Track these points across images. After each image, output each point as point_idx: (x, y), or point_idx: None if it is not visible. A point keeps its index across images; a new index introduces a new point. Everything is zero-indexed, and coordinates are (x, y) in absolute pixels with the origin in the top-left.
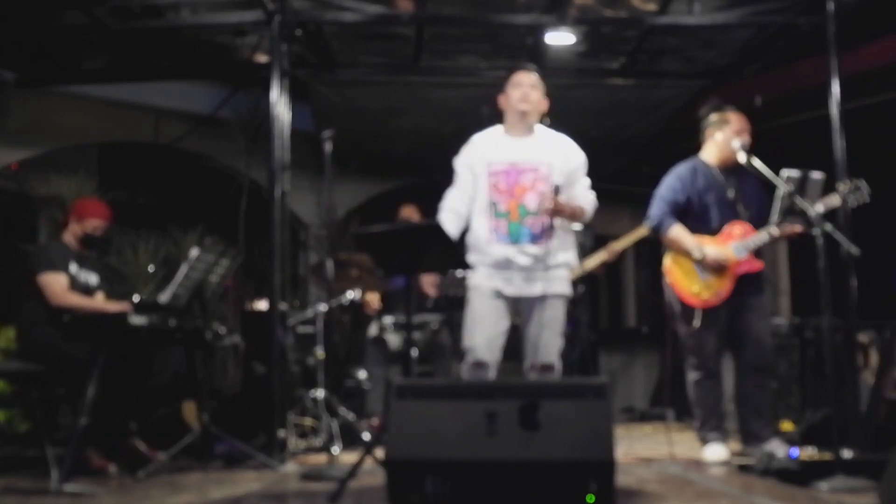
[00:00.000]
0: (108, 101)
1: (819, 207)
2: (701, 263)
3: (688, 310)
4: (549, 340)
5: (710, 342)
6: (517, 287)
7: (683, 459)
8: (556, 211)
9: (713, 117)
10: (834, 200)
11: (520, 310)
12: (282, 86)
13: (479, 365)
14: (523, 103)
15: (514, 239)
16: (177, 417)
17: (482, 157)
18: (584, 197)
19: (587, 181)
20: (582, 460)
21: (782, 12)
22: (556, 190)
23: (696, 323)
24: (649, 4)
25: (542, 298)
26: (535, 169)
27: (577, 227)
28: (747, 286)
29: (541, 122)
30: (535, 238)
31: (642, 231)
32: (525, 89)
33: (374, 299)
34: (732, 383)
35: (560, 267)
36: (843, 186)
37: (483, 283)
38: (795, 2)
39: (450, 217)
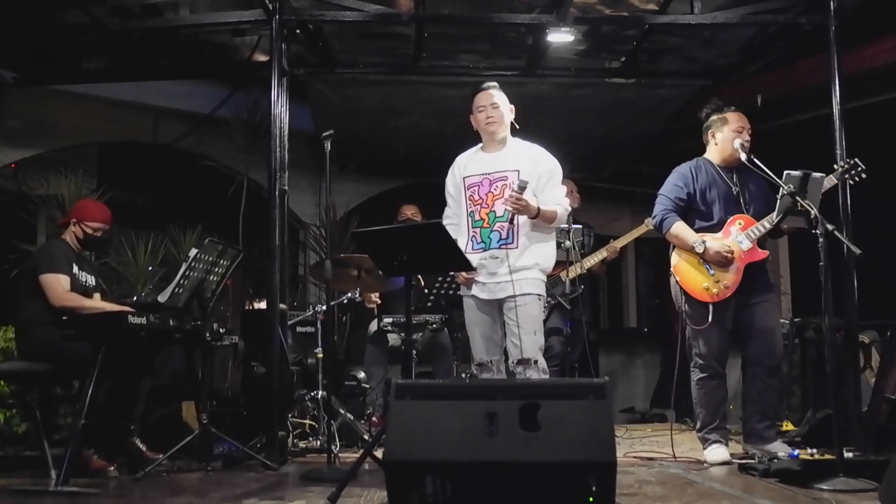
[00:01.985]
0: (107, 100)
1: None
2: (705, 257)
3: (697, 307)
4: (524, 337)
5: (718, 340)
6: (490, 291)
7: (684, 460)
8: (518, 205)
9: (713, 118)
10: (832, 180)
11: (499, 310)
12: (281, 85)
13: (481, 365)
14: (490, 125)
15: (486, 244)
16: (176, 418)
17: (461, 173)
18: (555, 202)
19: (561, 190)
20: (582, 461)
21: (783, 11)
22: (521, 185)
23: (709, 318)
24: (649, 3)
25: (512, 298)
26: (504, 177)
27: (563, 227)
28: (755, 282)
29: (513, 127)
30: (503, 241)
31: (643, 228)
32: (487, 111)
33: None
34: (735, 383)
35: (528, 269)
36: (839, 166)
37: (464, 293)
38: (797, 1)
39: (451, 229)
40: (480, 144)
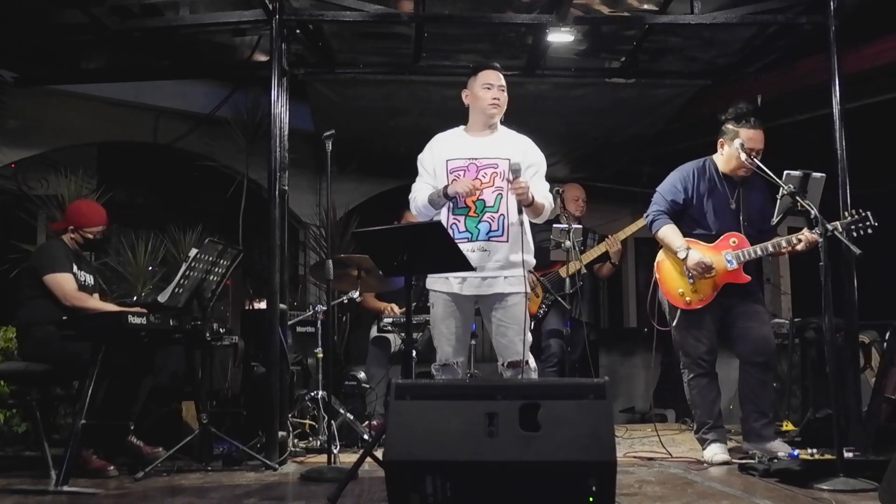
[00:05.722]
0: (107, 100)
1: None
2: (686, 265)
3: (669, 308)
4: (513, 338)
5: (698, 343)
6: (474, 286)
7: (684, 460)
8: (524, 191)
9: (729, 126)
10: (837, 227)
11: (481, 309)
12: (281, 85)
13: (446, 366)
14: (493, 108)
15: (471, 235)
16: (176, 417)
17: (441, 154)
18: (541, 195)
19: (546, 185)
20: (582, 461)
21: (783, 11)
22: (515, 169)
23: (674, 322)
24: (650, 3)
25: (500, 297)
26: (494, 165)
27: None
28: (735, 295)
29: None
30: (493, 233)
31: (641, 222)
32: (495, 92)
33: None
34: (735, 383)
35: (518, 266)
36: (849, 215)
37: (439, 287)
38: (797, 1)
39: (426, 188)
40: (463, 126)
